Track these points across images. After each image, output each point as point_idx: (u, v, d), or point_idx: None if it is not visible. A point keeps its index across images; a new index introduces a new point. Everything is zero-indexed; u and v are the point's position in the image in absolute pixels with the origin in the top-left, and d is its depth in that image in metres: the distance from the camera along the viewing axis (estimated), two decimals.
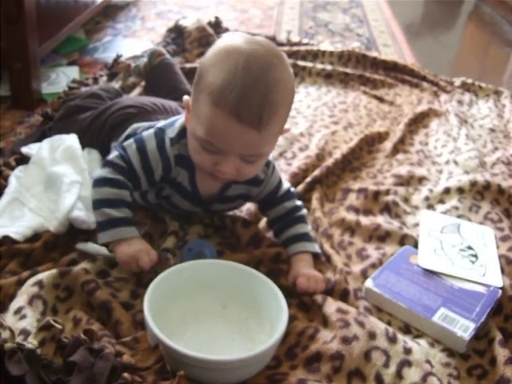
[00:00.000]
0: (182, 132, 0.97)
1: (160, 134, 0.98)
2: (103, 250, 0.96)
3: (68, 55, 1.86)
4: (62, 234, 1.01)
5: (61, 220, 1.00)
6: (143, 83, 1.63)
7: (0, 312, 0.81)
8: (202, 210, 1.06)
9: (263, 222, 1.14)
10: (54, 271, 0.89)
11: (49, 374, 0.68)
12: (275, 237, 1.09)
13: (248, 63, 0.84)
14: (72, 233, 1.02)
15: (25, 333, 0.78)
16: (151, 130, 0.99)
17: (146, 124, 1.09)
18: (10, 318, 0.81)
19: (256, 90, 0.83)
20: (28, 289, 0.85)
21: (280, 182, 1.08)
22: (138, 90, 1.58)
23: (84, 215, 1.01)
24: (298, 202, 1.10)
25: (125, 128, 1.13)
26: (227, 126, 0.85)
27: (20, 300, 0.84)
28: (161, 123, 1.02)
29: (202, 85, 0.88)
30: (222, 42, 0.89)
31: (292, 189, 1.11)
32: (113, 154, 0.98)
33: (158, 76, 1.52)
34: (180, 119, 1.00)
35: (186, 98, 0.94)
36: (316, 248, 1.05)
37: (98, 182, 0.96)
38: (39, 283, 0.86)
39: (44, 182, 1.09)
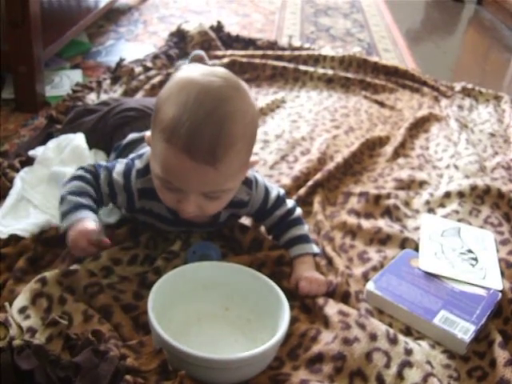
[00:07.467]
0: (149, 165, 0.94)
1: (129, 166, 0.95)
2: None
3: (71, 59, 1.87)
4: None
5: None
6: (146, 86, 1.63)
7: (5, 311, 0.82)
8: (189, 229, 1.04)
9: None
10: (57, 271, 0.89)
11: (56, 371, 0.69)
12: (276, 241, 1.08)
13: (200, 96, 0.80)
14: None
15: (31, 330, 0.79)
16: (123, 162, 0.97)
17: (141, 135, 1.08)
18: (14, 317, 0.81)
19: (208, 124, 0.79)
20: (31, 286, 0.85)
21: (267, 195, 1.03)
22: (141, 94, 1.59)
23: None
24: (290, 205, 1.07)
25: (124, 131, 1.13)
26: (180, 164, 0.81)
27: (23, 298, 0.84)
28: (133, 154, 1.00)
29: (156, 121, 0.84)
30: (178, 75, 0.85)
31: (281, 192, 1.07)
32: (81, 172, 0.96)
33: None
34: (148, 151, 0.94)
35: (147, 134, 0.91)
36: (314, 248, 1.04)
37: (67, 180, 0.94)
38: (42, 280, 0.86)
39: (49, 179, 1.10)
